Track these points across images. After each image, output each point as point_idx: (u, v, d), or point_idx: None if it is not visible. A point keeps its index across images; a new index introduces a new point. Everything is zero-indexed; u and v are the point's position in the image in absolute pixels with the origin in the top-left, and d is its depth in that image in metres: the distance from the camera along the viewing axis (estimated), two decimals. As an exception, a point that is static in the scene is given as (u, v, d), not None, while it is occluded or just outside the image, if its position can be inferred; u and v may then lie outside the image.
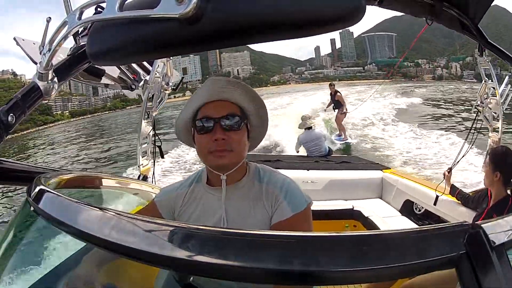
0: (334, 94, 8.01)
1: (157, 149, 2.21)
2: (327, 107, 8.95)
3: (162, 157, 2.21)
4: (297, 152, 5.00)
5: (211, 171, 0.89)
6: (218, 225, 0.87)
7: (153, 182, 2.18)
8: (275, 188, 0.87)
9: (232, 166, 0.86)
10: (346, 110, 7.95)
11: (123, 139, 16.77)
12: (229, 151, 0.83)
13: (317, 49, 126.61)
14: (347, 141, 7.89)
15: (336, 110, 7.97)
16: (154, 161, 2.19)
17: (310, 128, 4.76)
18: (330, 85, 8.35)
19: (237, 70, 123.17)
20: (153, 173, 2.20)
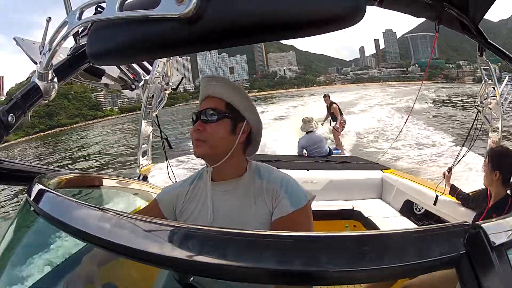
0: (329, 106, 7.24)
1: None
2: (324, 121, 7.93)
3: (171, 147, 2.23)
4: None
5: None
6: (215, 219, 0.88)
7: (169, 175, 2.20)
8: (275, 185, 0.88)
9: (208, 157, 0.89)
10: (343, 122, 7.07)
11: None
12: (202, 141, 0.87)
13: (361, 49, 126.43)
14: (344, 155, 7.46)
15: (334, 123, 7.07)
16: (166, 156, 2.22)
17: (311, 131, 4.76)
18: (324, 96, 7.45)
19: (284, 70, 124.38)
20: (168, 167, 2.20)
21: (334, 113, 7.10)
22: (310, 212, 0.89)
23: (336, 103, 7.27)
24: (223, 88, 0.89)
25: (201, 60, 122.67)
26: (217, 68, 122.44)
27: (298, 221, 0.85)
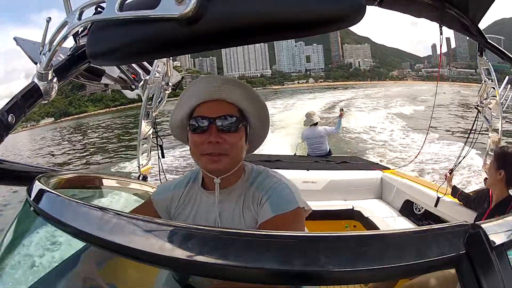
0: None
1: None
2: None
3: (163, 156, 2.21)
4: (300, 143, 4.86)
5: (205, 173, 0.86)
6: None
7: (160, 179, 2.21)
8: (261, 191, 0.83)
9: (227, 171, 0.81)
10: None
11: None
12: (224, 155, 0.78)
13: (433, 46, 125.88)
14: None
15: None
16: (159, 159, 2.21)
17: (315, 124, 4.77)
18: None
19: (358, 62, 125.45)
20: (159, 170, 2.22)
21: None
22: (298, 219, 0.80)
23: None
24: (238, 93, 0.80)
25: (278, 47, 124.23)
26: (294, 56, 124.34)
27: (280, 227, 0.77)
